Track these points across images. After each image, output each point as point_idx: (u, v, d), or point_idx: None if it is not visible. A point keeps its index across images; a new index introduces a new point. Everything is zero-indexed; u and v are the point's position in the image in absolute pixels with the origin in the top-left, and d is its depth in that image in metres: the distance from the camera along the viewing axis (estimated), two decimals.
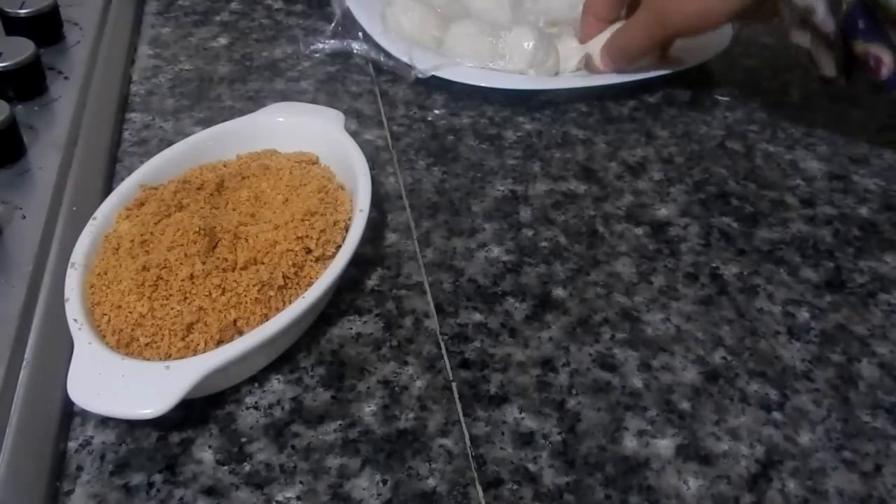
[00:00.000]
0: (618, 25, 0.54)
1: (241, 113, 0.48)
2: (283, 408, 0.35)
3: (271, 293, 0.35)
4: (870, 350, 0.39)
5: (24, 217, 0.40)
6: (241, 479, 0.32)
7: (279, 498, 0.32)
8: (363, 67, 0.59)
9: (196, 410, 0.35)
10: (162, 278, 0.35)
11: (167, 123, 0.52)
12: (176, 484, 0.32)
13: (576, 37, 0.59)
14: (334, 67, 0.58)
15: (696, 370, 0.38)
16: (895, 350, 0.39)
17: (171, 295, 0.35)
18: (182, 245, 0.36)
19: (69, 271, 0.36)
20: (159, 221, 0.38)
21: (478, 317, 0.40)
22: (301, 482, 0.32)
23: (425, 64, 0.54)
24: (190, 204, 0.39)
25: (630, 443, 0.35)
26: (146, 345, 0.33)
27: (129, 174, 0.41)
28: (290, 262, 0.36)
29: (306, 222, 0.38)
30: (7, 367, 0.33)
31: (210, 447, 0.34)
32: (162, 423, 0.34)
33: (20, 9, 0.51)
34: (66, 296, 0.35)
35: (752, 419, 0.36)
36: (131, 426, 0.34)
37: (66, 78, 0.50)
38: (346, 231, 0.38)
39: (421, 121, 0.54)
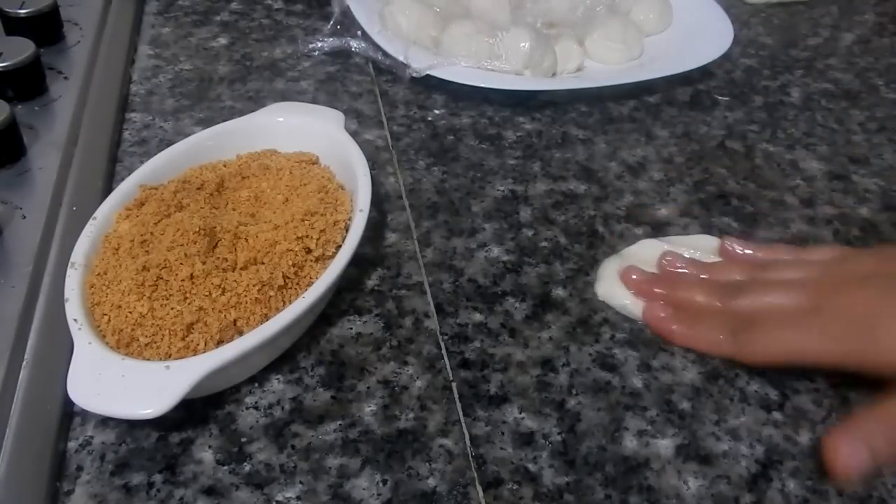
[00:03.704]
0: None
1: (241, 113, 0.48)
2: (283, 408, 0.35)
3: (271, 293, 0.35)
4: None
5: (24, 217, 0.40)
6: (241, 479, 0.32)
7: (279, 498, 0.32)
8: (363, 67, 0.59)
9: (196, 410, 0.35)
10: (162, 278, 0.35)
11: (167, 123, 0.52)
12: (176, 484, 0.32)
13: (575, 39, 0.59)
14: (334, 67, 0.58)
15: (696, 370, 0.38)
16: None
17: (171, 295, 0.35)
18: (182, 245, 0.36)
19: (69, 271, 0.36)
20: (159, 221, 0.38)
21: (478, 317, 0.40)
22: (301, 482, 0.32)
23: (421, 63, 0.54)
24: (190, 204, 0.39)
25: (630, 443, 0.35)
26: (146, 345, 0.33)
27: (129, 174, 0.41)
28: (290, 262, 0.36)
29: (306, 222, 0.38)
30: (7, 367, 0.33)
31: (210, 447, 0.34)
32: (162, 423, 0.34)
33: (20, 9, 0.51)
34: (66, 296, 0.35)
35: (752, 419, 0.36)
36: (131, 426, 0.34)
37: (66, 78, 0.50)
38: (346, 231, 0.38)
39: (421, 121, 0.54)
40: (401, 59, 0.55)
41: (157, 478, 0.32)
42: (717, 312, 0.38)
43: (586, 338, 0.39)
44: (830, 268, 0.39)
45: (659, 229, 0.46)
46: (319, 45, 0.59)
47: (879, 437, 0.33)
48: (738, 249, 0.42)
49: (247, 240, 0.37)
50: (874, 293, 0.36)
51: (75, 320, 0.34)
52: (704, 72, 0.59)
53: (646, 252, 0.43)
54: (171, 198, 0.39)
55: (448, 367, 0.37)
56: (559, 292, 0.41)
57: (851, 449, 0.33)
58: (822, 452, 0.34)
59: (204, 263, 0.36)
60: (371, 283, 0.42)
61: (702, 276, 0.41)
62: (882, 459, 0.33)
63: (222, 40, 0.61)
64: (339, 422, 0.35)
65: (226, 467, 0.33)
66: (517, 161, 0.51)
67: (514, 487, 0.33)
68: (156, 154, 0.42)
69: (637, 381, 0.37)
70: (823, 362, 0.36)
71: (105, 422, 0.34)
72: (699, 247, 0.43)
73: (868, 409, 0.35)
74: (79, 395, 0.31)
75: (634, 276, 0.41)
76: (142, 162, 0.42)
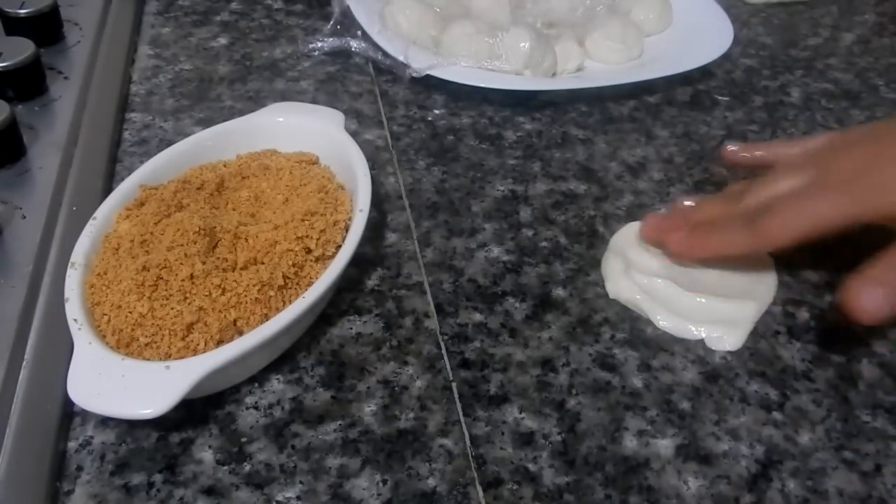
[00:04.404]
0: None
1: (241, 113, 0.48)
2: (283, 408, 0.35)
3: (271, 293, 0.35)
4: (870, 350, 0.39)
5: (24, 217, 0.40)
6: (241, 479, 0.32)
7: (279, 498, 0.32)
8: (363, 67, 0.59)
9: (196, 410, 0.35)
10: (162, 278, 0.35)
11: (167, 123, 0.52)
12: (176, 484, 0.32)
13: (575, 39, 0.59)
14: (334, 67, 0.58)
15: (696, 370, 0.38)
16: (895, 350, 0.39)
17: (171, 295, 0.35)
18: (182, 245, 0.36)
19: (69, 271, 0.36)
20: (159, 221, 0.38)
21: (478, 317, 0.40)
22: (301, 482, 0.32)
23: (421, 63, 0.54)
24: (190, 204, 0.39)
25: (630, 443, 0.35)
26: (146, 345, 0.33)
27: (129, 174, 0.41)
28: (290, 262, 0.36)
29: (306, 222, 0.38)
30: (7, 367, 0.33)
31: (210, 447, 0.34)
32: (162, 423, 0.34)
33: (20, 9, 0.51)
34: (66, 296, 0.35)
35: (752, 419, 0.36)
36: (131, 426, 0.34)
37: (66, 78, 0.50)
38: (346, 231, 0.38)
39: (421, 121, 0.54)
40: (401, 59, 0.55)
41: (157, 478, 0.32)
42: (728, 214, 0.39)
43: (586, 338, 0.39)
44: (820, 145, 0.41)
45: None
46: (319, 45, 0.59)
47: None
48: (740, 152, 0.45)
49: (247, 240, 0.37)
50: (871, 145, 0.37)
51: (75, 320, 0.34)
52: (704, 72, 0.59)
53: (631, 234, 0.43)
54: (171, 198, 0.39)
55: (448, 367, 0.37)
56: (559, 292, 0.41)
57: (871, 292, 0.34)
58: (842, 297, 0.35)
59: (204, 263, 0.36)
60: (371, 283, 0.42)
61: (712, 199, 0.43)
62: None
63: (222, 40, 0.61)
64: (339, 422, 0.35)
65: (226, 467, 0.33)
66: (517, 161, 0.51)
67: (514, 487, 0.33)
68: (156, 154, 0.42)
69: (637, 381, 0.37)
70: (840, 223, 0.36)
71: (105, 422, 0.34)
72: None
73: (886, 253, 0.36)
74: (79, 395, 0.31)
75: (652, 222, 0.41)
76: (142, 162, 0.42)
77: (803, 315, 0.41)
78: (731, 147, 0.45)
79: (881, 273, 0.35)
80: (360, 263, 0.42)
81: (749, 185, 0.41)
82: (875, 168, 0.36)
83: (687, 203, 0.43)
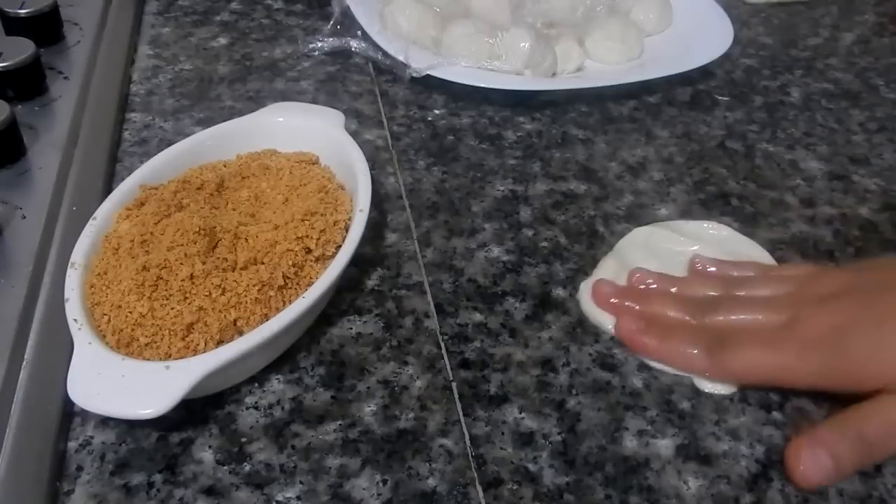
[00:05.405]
0: None
1: (241, 113, 0.48)
2: (283, 408, 0.35)
3: (271, 293, 0.35)
4: None
5: (24, 217, 0.40)
6: (241, 479, 0.32)
7: (279, 498, 0.32)
8: (363, 67, 0.59)
9: (196, 410, 0.35)
10: (162, 278, 0.35)
11: (167, 123, 0.52)
12: (176, 484, 0.32)
13: (575, 39, 0.59)
14: (334, 67, 0.58)
15: None
16: None
17: (171, 295, 0.35)
18: (182, 245, 0.36)
19: (69, 271, 0.36)
20: (159, 221, 0.38)
21: (478, 317, 0.40)
22: (301, 482, 0.32)
23: (421, 63, 0.54)
24: (190, 204, 0.39)
25: (630, 443, 0.35)
26: (146, 345, 0.33)
27: (129, 174, 0.41)
28: (290, 262, 0.36)
29: (306, 222, 0.38)
30: (7, 367, 0.33)
31: (210, 447, 0.34)
32: (162, 423, 0.34)
33: (20, 9, 0.51)
34: (66, 296, 0.35)
35: (752, 419, 0.36)
36: (131, 426, 0.34)
37: (66, 78, 0.50)
38: (346, 231, 0.38)
39: (421, 121, 0.54)
40: (401, 59, 0.55)
41: (157, 478, 0.32)
42: (689, 327, 0.38)
43: (586, 338, 0.39)
44: (802, 285, 0.38)
45: None
46: (319, 45, 0.59)
47: (844, 445, 0.33)
48: (709, 267, 0.41)
49: (247, 240, 0.37)
50: (845, 307, 0.35)
51: (75, 320, 0.34)
52: (704, 72, 0.59)
53: (637, 238, 0.44)
54: (171, 198, 0.39)
55: (448, 367, 0.37)
56: (559, 292, 0.41)
57: (813, 457, 0.33)
58: (785, 459, 0.34)
59: (204, 263, 0.36)
60: (371, 283, 0.42)
61: (672, 291, 0.40)
62: (847, 468, 0.33)
63: (222, 40, 0.61)
64: (339, 422, 0.35)
65: (226, 467, 0.33)
66: (517, 161, 0.51)
67: (514, 487, 0.33)
68: (156, 154, 0.42)
69: (637, 381, 0.37)
70: (799, 383, 0.35)
71: (105, 422, 0.34)
72: (686, 232, 0.44)
73: (834, 417, 0.34)
74: (79, 395, 0.31)
75: (604, 291, 0.40)
76: (142, 162, 0.42)
77: None
78: (700, 261, 0.41)
79: (827, 437, 0.33)
80: (360, 263, 0.42)
81: (713, 295, 0.39)
82: (852, 335, 0.34)
83: (648, 280, 0.40)
